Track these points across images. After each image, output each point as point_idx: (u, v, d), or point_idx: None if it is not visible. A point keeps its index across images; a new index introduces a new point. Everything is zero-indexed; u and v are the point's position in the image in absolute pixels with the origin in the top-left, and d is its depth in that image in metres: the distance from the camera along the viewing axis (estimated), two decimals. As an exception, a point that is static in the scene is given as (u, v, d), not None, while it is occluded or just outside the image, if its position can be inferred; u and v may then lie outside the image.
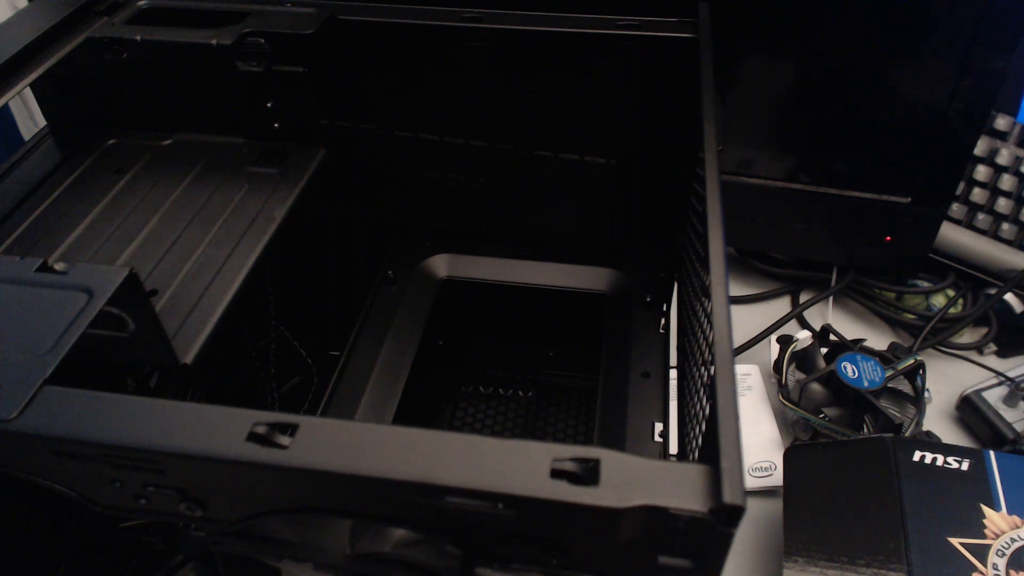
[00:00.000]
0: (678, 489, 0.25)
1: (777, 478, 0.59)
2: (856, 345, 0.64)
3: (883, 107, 0.62)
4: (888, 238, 0.68)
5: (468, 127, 0.55)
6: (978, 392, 0.64)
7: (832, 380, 0.61)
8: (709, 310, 0.32)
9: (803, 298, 0.76)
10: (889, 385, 0.60)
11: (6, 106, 0.63)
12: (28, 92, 0.51)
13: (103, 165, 0.51)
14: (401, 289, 0.59)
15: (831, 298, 0.75)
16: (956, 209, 0.72)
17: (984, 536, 0.47)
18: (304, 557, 0.34)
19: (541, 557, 0.29)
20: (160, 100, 0.53)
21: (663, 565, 0.27)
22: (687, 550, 0.27)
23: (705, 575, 0.27)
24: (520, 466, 0.26)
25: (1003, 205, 0.70)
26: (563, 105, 0.53)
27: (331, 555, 0.33)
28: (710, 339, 0.32)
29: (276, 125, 0.53)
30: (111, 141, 0.53)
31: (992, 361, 0.70)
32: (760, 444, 0.62)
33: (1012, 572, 0.45)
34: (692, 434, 0.40)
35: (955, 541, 0.47)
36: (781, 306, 0.76)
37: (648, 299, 0.56)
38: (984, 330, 0.71)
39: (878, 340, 0.70)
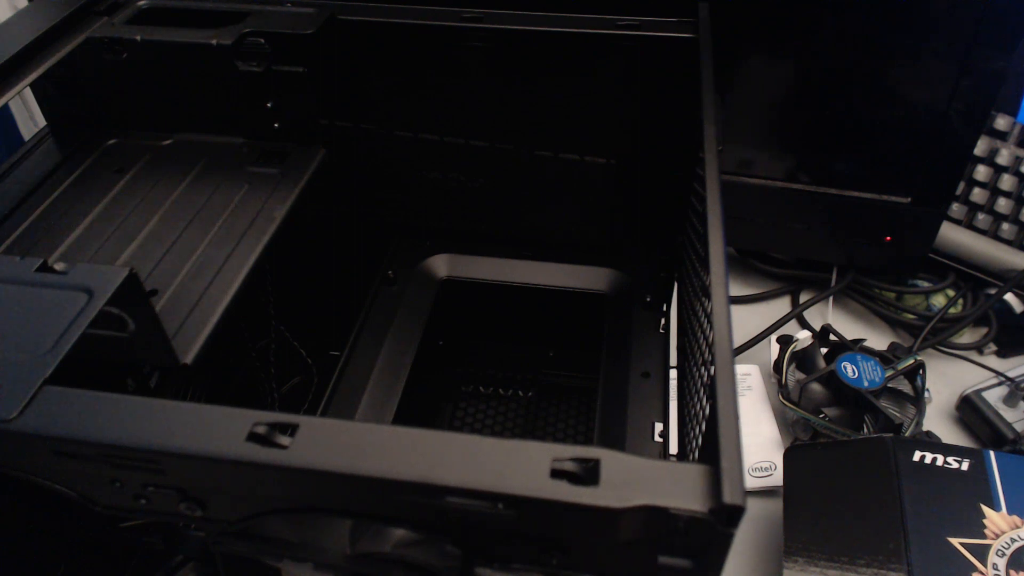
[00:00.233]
0: (678, 489, 0.25)
1: (777, 478, 0.59)
2: (856, 345, 0.64)
3: (883, 107, 0.62)
4: (888, 238, 0.68)
5: (468, 127, 0.55)
6: (978, 392, 0.64)
7: (832, 380, 0.61)
8: (709, 310, 0.32)
9: (803, 298, 0.76)
10: (889, 385, 0.60)
11: (6, 106, 0.63)
12: (28, 92, 0.51)
13: (103, 165, 0.51)
14: (401, 289, 0.59)
15: (831, 298, 0.75)
16: (956, 209, 0.72)
17: (984, 536, 0.47)
18: (304, 557, 0.34)
19: (541, 557, 0.29)
20: (160, 100, 0.53)
21: (663, 565, 0.27)
22: (687, 550, 0.27)
23: (705, 575, 0.27)
24: (520, 466, 0.26)
25: (1003, 205, 0.70)
26: (563, 105, 0.53)
27: (331, 555, 0.33)
28: (710, 339, 0.32)
29: (276, 125, 0.53)
30: (111, 141, 0.53)
31: (992, 361, 0.70)
32: (760, 444, 0.62)
33: (1012, 572, 0.45)
34: (692, 434, 0.40)
35: (955, 541, 0.47)
36: (781, 306, 0.76)
37: (648, 299, 0.56)
38: (984, 330, 0.71)
39: (878, 340, 0.70)
